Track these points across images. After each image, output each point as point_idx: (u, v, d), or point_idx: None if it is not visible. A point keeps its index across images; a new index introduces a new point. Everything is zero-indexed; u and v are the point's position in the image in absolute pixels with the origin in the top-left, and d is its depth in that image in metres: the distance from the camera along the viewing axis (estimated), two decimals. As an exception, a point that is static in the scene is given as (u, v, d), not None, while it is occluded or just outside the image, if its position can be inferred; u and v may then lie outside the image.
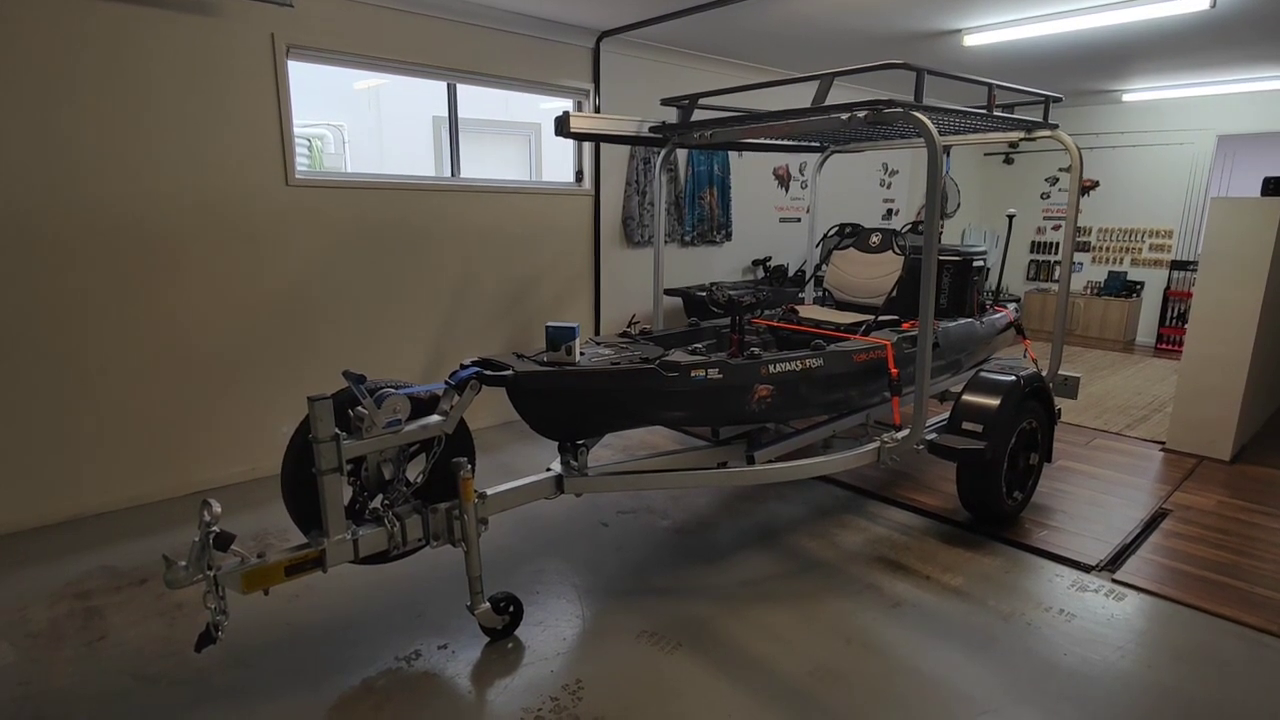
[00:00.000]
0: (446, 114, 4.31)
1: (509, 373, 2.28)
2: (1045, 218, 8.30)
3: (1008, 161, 8.50)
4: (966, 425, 3.01)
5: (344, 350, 3.90)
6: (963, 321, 3.63)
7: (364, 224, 3.87)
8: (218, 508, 1.83)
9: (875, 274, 3.71)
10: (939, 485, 3.64)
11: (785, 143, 4.12)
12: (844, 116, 2.73)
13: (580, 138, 3.39)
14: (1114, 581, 2.78)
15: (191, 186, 3.33)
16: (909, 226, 6.68)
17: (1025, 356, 3.99)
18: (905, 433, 2.94)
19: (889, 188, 7.46)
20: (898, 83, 6.28)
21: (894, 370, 3.07)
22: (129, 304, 3.25)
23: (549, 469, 2.56)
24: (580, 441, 2.56)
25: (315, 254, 3.74)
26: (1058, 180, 8.17)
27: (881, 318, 3.40)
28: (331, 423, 1.98)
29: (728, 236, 5.76)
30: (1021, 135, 3.54)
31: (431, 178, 4.17)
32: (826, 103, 2.79)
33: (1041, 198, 8.30)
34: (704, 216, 5.56)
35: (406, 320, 4.11)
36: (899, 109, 2.59)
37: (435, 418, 2.22)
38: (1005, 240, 4.47)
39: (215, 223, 3.42)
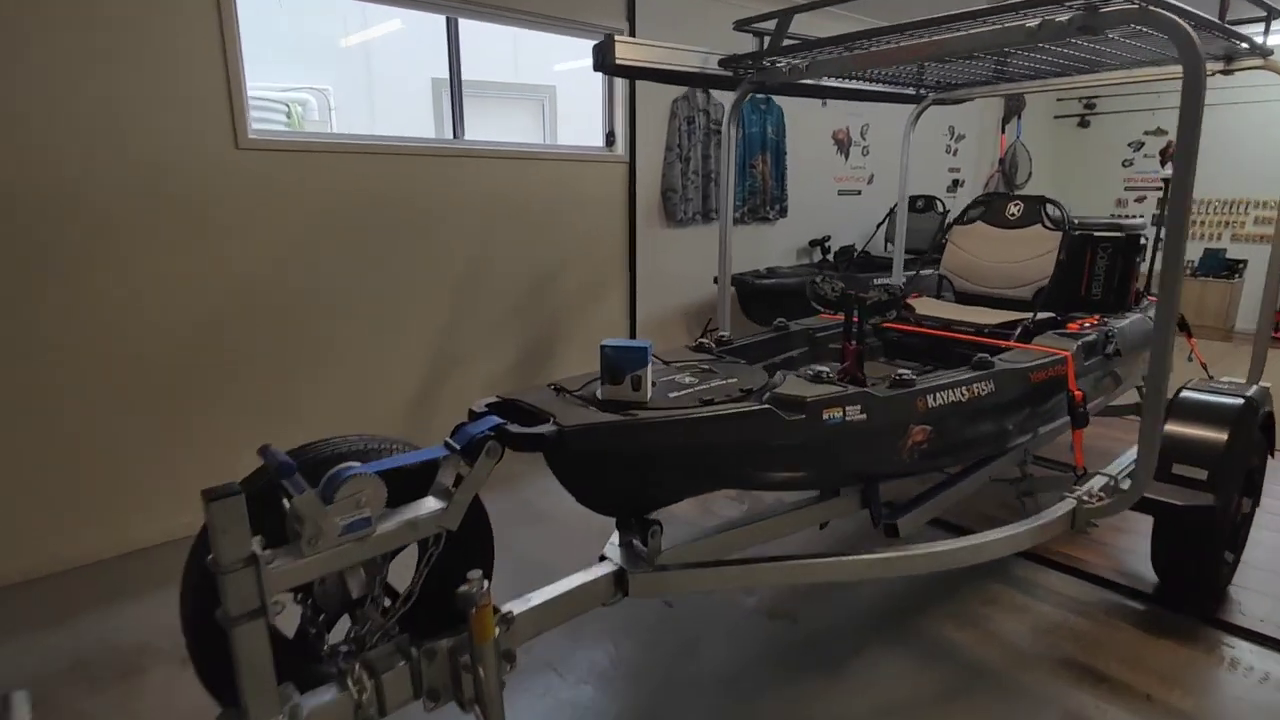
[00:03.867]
0: (447, 70, 3.40)
1: (549, 427, 1.41)
2: (1128, 188, 7.33)
3: (1083, 125, 7.51)
4: (1181, 469, 2.13)
5: (318, 366, 3.04)
6: (1134, 318, 2.73)
7: (342, 200, 2.99)
8: (23, 711, 0.98)
9: (1017, 256, 2.81)
10: (1091, 533, 2.76)
11: (881, 89, 3.21)
12: (1033, 22, 1.83)
13: (626, 73, 2.49)
14: None
15: (107, 150, 2.45)
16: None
17: (1191, 359, 3.06)
18: (1105, 481, 2.06)
19: (955, 154, 6.52)
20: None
21: (1077, 392, 2.18)
22: (30, 307, 2.38)
23: (604, 557, 1.69)
24: (650, 516, 1.69)
25: (281, 239, 2.87)
26: (1143, 145, 7.19)
27: (1039, 316, 2.51)
28: (246, 534, 1.12)
29: (782, 212, 4.85)
30: (1220, 68, 2.62)
31: (427, 140, 3.28)
32: None
33: (1124, 165, 7.32)
34: (755, 188, 4.65)
35: (398, 323, 3.23)
36: (1134, 4, 1.68)
37: (430, 505, 1.35)
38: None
39: (143, 202, 2.54)
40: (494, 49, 6.62)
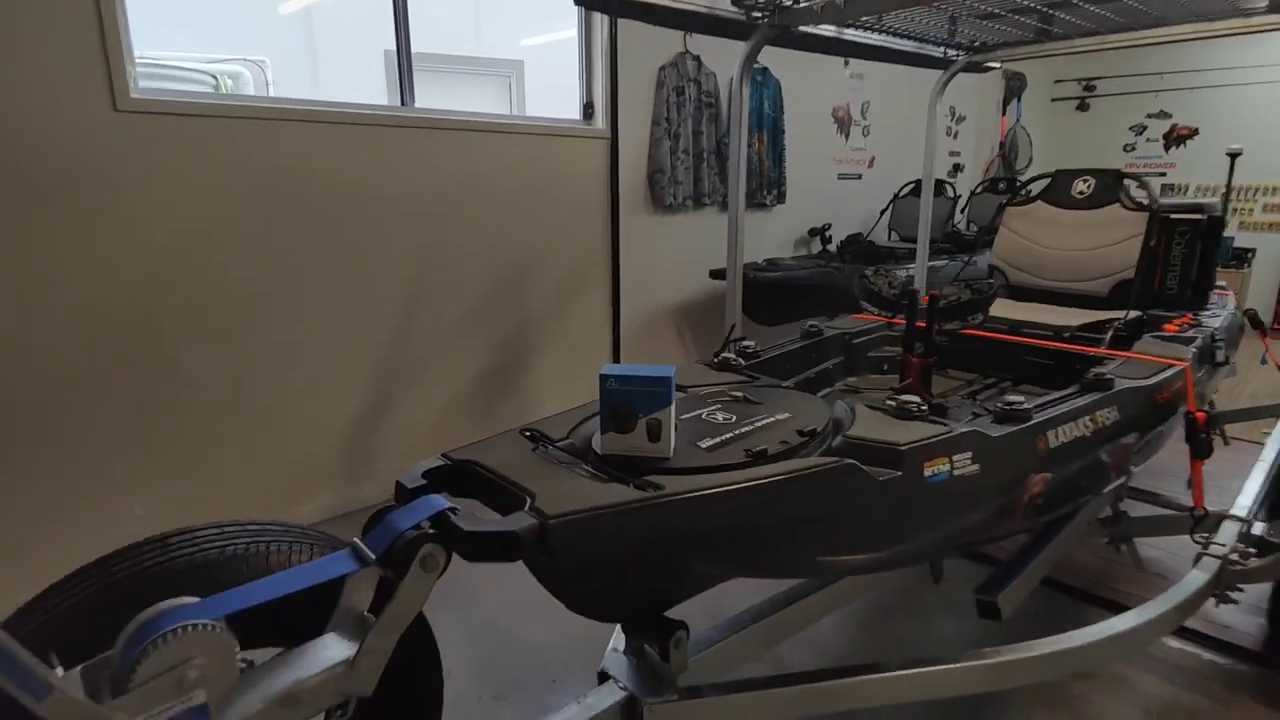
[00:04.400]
0: (393, 29, 2.82)
1: (524, 518, 0.87)
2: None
3: (1082, 108, 7.15)
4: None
5: (229, 390, 2.45)
6: (1226, 316, 2.28)
7: (258, 178, 2.40)
8: None
9: (1089, 242, 2.33)
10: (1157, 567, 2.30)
11: (908, 47, 2.72)
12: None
13: (615, 7, 1.95)
14: None
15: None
16: (990, 185, 5.31)
17: (1266, 361, 2.61)
18: (1238, 527, 1.59)
19: (955, 137, 6.08)
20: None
21: (1199, 412, 1.71)
22: None
23: (604, 675, 1.16)
24: (669, 615, 1.16)
25: (182, 227, 2.27)
26: (1145, 129, 6.83)
27: (1129, 315, 2.03)
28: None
29: (779, 197, 4.35)
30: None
31: (367, 107, 2.69)
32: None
33: (1125, 150, 6.96)
34: (751, 170, 4.14)
35: (332, 331, 2.65)
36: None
37: (326, 657, 0.81)
38: (1225, 190, 3.11)
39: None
40: (454, 19, 6.01)
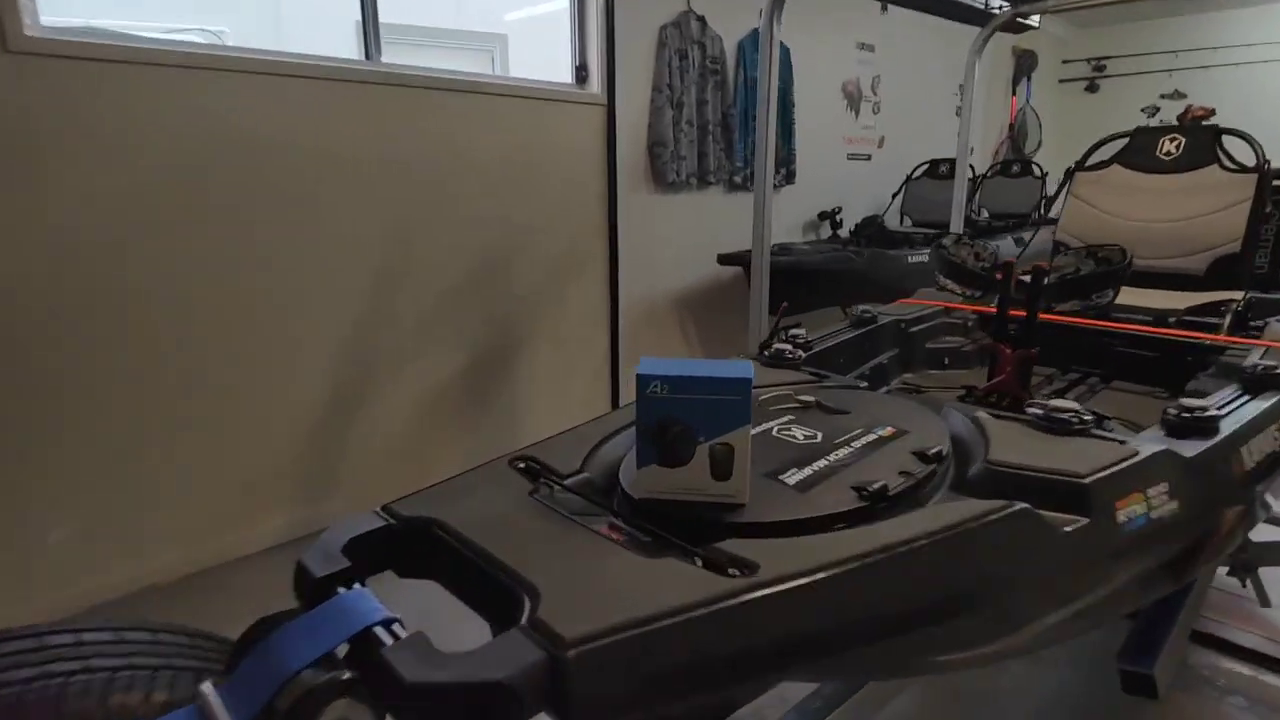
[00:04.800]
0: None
1: (519, 647, 0.48)
2: (1142, 158, 6.68)
3: (1091, 89, 6.85)
4: None
5: (162, 395, 2.03)
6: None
7: (198, 142, 1.99)
8: None
9: (1181, 211, 1.97)
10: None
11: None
12: None
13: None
14: None
15: None
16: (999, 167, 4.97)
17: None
18: None
19: (965, 118, 5.74)
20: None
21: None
22: None
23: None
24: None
25: (100, 198, 1.85)
26: (1158, 111, 6.54)
27: (1247, 296, 1.68)
28: None
29: (789, 177, 3.98)
30: None
31: (326, 60, 2.28)
32: None
33: (1138, 133, 6.66)
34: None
35: (286, 325, 2.24)
36: None
37: None
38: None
39: None
40: (432, -18, 5.62)
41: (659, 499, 0.70)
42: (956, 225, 3.12)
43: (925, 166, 4.50)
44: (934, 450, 0.83)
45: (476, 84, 2.60)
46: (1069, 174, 2.27)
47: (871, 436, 0.88)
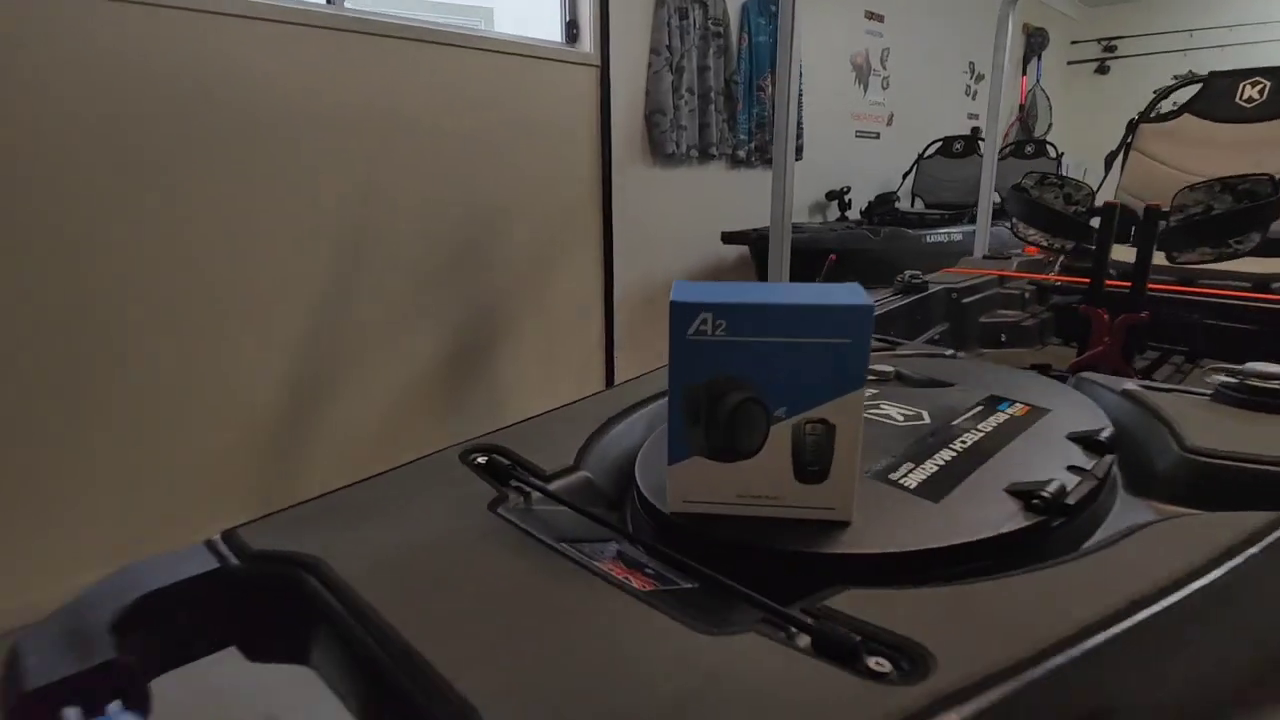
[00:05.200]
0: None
1: None
2: (1154, 142, 6.45)
3: (1101, 70, 6.61)
4: None
5: (80, 384, 1.73)
6: None
7: (131, 87, 1.69)
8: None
9: (1264, 165, 1.69)
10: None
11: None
12: None
13: None
14: None
15: None
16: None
17: None
18: None
19: (974, 97, 5.50)
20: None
21: None
22: None
23: None
24: None
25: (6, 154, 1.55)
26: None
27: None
28: None
29: (796, 152, 3.69)
30: None
31: (290, 3, 1.98)
32: None
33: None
34: (764, 118, 3.49)
35: (234, 304, 1.94)
36: None
37: None
38: None
39: None
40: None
41: (707, 514, 0.42)
42: (985, 202, 2.87)
43: (939, 144, 4.25)
44: (1103, 434, 0.56)
45: (453, 35, 2.31)
46: (1131, 126, 2.01)
47: (1000, 417, 0.60)
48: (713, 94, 3.18)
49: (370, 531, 0.38)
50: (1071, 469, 0.51)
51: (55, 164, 1.63)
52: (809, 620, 0.32)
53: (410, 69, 2.19)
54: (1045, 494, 0.45)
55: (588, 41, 2.73)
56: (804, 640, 0.32)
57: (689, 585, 0.38)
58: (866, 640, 0.31)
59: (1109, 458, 0.54)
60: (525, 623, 0.32)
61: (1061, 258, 1.73)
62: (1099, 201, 1.20)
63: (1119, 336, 1.06)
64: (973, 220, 3.93)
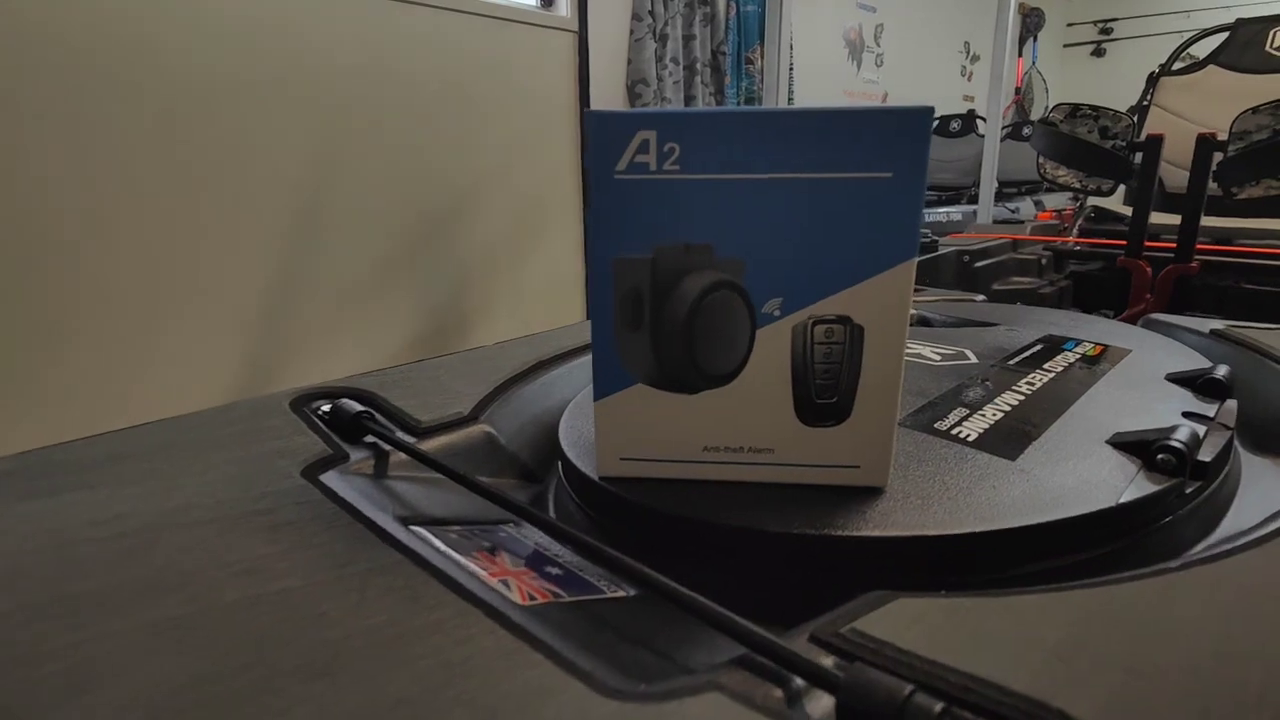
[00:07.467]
0: None
1: None
2: (1151, 125, 6.34)
3: (1097, 53, 6.50)
4: None
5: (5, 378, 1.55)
6: None
7: (60, 37, 1.51)
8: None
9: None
10: None
11: None
12: None
13: None
14: None
15: None
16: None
17: None
18: None
19: (969, 79, 5.38)
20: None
21: None
22: None
23: None
24: None
25: None
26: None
27: None
28: None
29: (787, 131, 3.54)
30: None
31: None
32: None
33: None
34: (753, 93, 3.34)
35: (177, 283, 1.77)
36: None
37: None
38: None
39: None
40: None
41: (655, 477, 0.26)
42: (989, 179, 2.76)
43: (935, 123, 4.11)
44: (1219, 373, 0.40)
45: (417, -8, 2.14)
46: (1152, 80, 1.87)
47: (1068, 356, 0.45)
48: (699, 65, 3.03)
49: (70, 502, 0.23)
50: (1189, 415, 0.36)
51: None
52: (826, 663, 0.16)
53: (373, 29, 2.02)
54: (1175, 443, 0.29)
55: (564, 4, 2.56)
56: (818, 702, 0.16)
57: (619, 593, 0.23)
58: (932, 695, 0.15)
59: (1232, 402, 0.39)
60: (272, 681, 0.16)
61: (1080, 220, 1.59)
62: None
63: (1164, 290, 0.91)
64: (971, 201, 3.81)
